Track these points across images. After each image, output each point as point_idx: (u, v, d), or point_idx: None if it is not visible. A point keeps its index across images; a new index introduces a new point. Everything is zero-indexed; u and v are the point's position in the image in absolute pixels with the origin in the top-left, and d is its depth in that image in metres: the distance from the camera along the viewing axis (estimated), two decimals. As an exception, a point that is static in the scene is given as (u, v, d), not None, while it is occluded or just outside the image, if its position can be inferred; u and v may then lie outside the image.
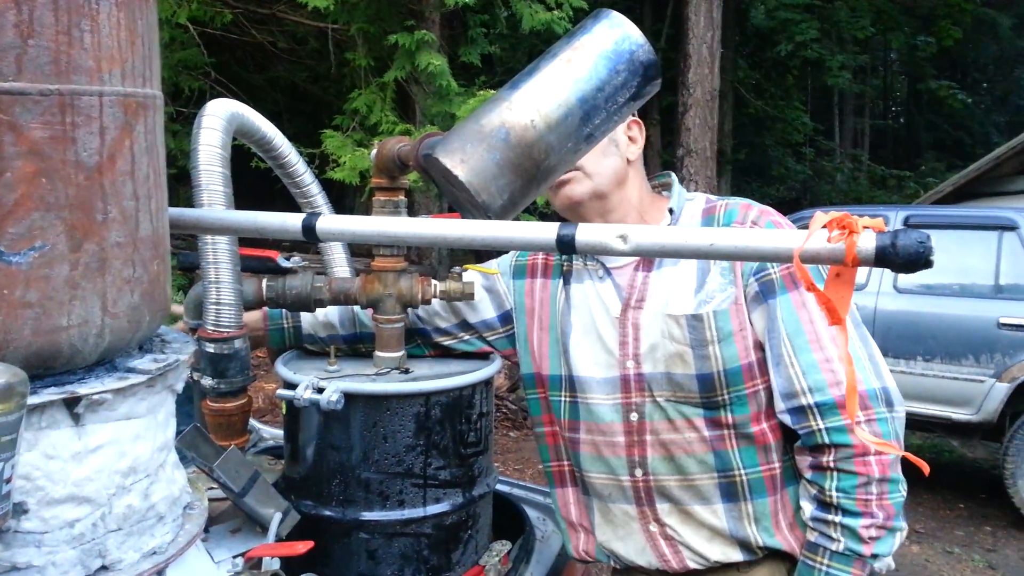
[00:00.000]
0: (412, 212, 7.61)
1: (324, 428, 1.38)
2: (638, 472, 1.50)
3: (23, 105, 0.85)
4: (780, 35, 15.31)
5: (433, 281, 1.50)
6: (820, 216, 0.91)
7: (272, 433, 1.95)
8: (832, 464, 1.37)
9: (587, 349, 1.53)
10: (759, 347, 1.44)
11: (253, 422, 1.82)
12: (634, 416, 1.49)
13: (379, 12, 7.88)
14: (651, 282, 1.49)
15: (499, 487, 1.82)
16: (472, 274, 1.67)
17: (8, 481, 0.81)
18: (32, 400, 0.86)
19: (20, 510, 0.88)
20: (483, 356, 1.64)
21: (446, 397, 1.40)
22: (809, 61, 16.14)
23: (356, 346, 1.64)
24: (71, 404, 0.91)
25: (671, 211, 1.54)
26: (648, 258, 1.49)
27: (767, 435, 1.46)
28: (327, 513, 1.38)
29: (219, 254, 1.38)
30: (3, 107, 0.84)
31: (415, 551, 1.40)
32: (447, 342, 1.66)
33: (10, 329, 0.87)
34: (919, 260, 0.85)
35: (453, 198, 1.23)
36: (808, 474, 1.42)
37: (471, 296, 1.53)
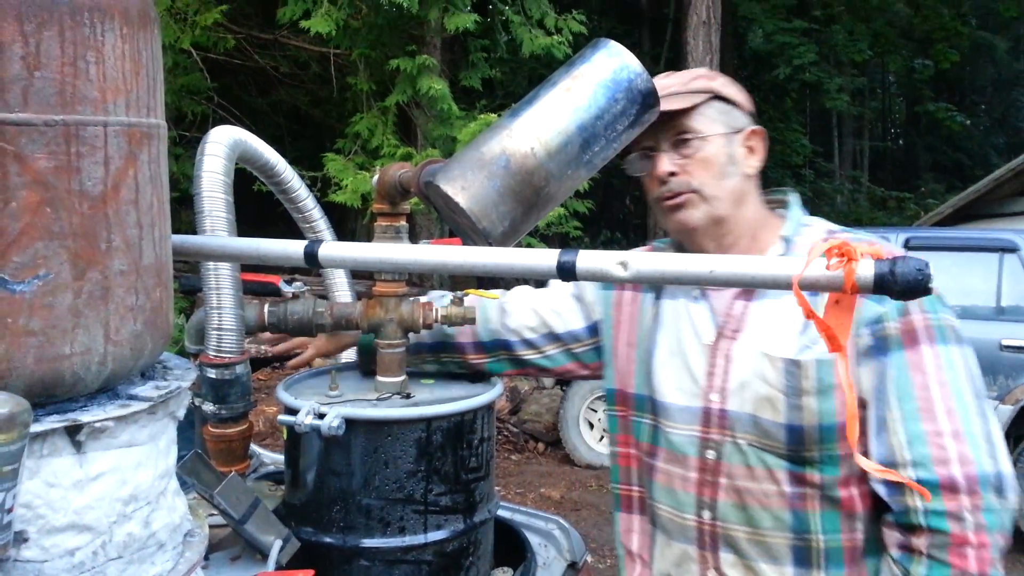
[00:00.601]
0: (414, 235, 7.63)
1: (325, 454, 1.37)
2: (706, 514, 1.39)
3: (28, 136, 0.86)
4: (778, 58, 15.44)
5: (435, 306, 1.51)
6: (819, 244, 0.92)
7: (273, 458, 1.94)
8: (924, 549, 1.22)
9: (671, 372, 1.44)
10: (862, 405, 1.29)
11: (254, 447, 1.82)
12: (711, 454, 1.38)
13: (380, 37, 7.97)
14: (750, 313, 1.37)
15: (500, 512, 1.81)
16: (560, 284, 1.62)
17: (10, 511, 0.81)
18: (34, 428, 0.86)
19: (20, 539, 0.88)
20: (560, 374, 1.66)
21: (447, 422, 1.40)
22: (807, 84, 16.25)
23: (440, 356, 1.64)
24: (73, 432, 0.91)
25: (785, 240, 1.41)
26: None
27: (855, 502, 1.31)
28: (327, 540, 1.37)
29: (221, 280, 1.39)
30: (9, 138, 0.85)
31: (416, 578, 1.39)
32: (530, 356, 1.61)
33: (13, 357, 0.87)
34: (918, 287, 0.86)
35: (454, 224, 1.24)
36: (895, 553, 1.27)
37: (472, 320, 1.51)
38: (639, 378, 1.49)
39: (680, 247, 1.53)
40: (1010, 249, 5.23)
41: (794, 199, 1.49)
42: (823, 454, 1.29)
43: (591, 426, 6.19)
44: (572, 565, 1.83)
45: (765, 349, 1.33)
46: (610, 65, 1.17)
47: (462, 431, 1.42)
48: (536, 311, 1.60)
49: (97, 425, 0.92)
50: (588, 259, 1.04)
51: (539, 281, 1.39)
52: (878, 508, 1.31)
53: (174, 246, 1.13)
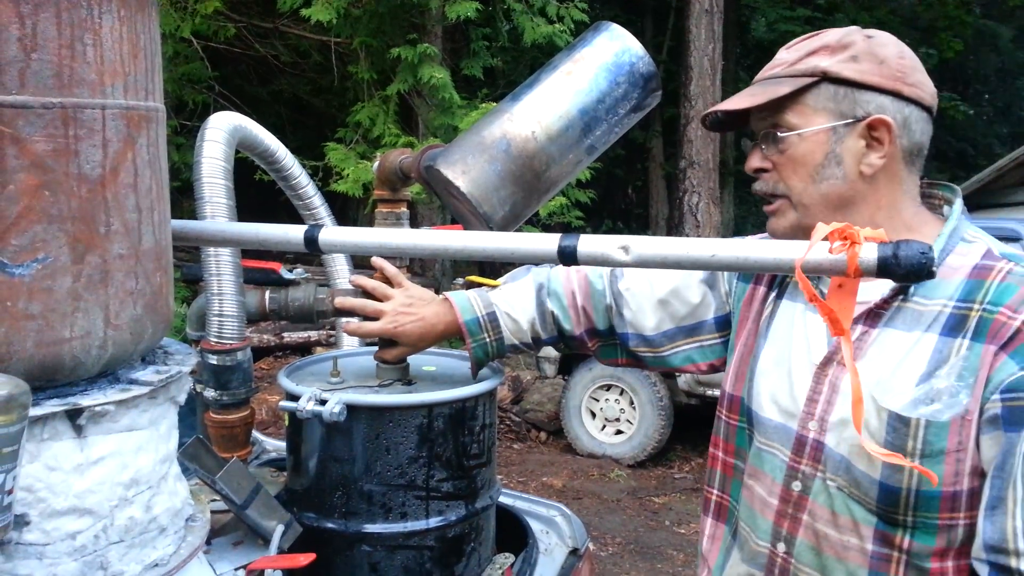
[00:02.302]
0: (415, 224, 7.62)
1: (326, 440, 1.37)
2: (780, 546, 1.25)
3: (26, 118, 0.86)
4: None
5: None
6: (822, 227, 0.91)
7: (275, 445, 1.95)
8: None
9: (772, 383, 1.28)
10: (977, 474, 1.10)
11: (256, 434, 1.82)
12: (796, 486, 1.22)
13: (381, 26, 7.94)
14: (870, 341, 1.17)
15: (502, 499, 1.81)
16: (687, 270, 1.42)
17: (10, 493, 0.81)
18: (34, 412, 0.86)
19: (22, 522, 0.88)
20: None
21: (449, 408, 1.39)
22: (811, 73, 16.13)
23: (557, 346, 1.54)
24: (73, 416, 0.91)
25: None
26: (878, 310, 1.17)
27: None
28: (329, 525, 1.37)
29: (222, 266, 1.38)
30: (6, 120, 0.84)
31: (418, 564, 1.39)
32: (645, 354, 1.46)
33: (13, 341, 0.87)
34: (921, 270, 0.85)
35: (455, 210, 1.24)
36: None
37: None
38: (747, 383, 1.33)
39: None
40: (1013, 239, 5.23)
41: (957, 203, 1.22)
42: (918, 520, 1.13)
43: (593, 415, 6.20)
44: (574, 551, 1.83)
45: (874, 391, 1.14)
46: (612, 48, 1.16)
47: (463, 417, 1.42)
48: (657, 299, 1.43)
49: (97, 409, 0.92)
50: (589, 244, 1.04)
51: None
52: None
53: (174, 231, 1.12)
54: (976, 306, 1.10)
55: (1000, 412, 1.06)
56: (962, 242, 1.17)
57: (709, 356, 1.44)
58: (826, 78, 1.17)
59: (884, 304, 1.17)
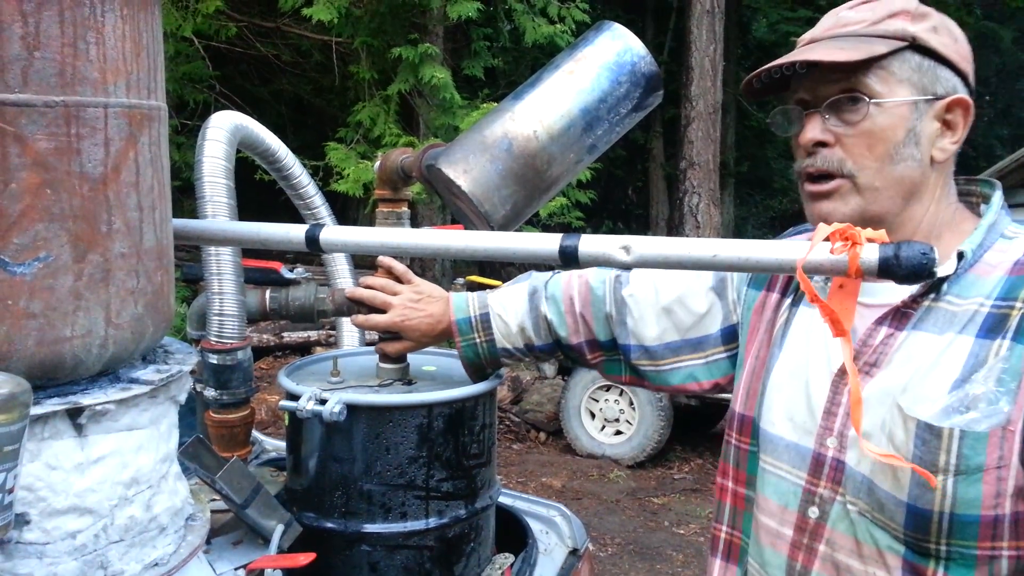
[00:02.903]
0: (415, 224, 7.62)
1: (326, 440, 1.37)
2: None
3: (28, 116, 0.86)
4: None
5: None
6: (823, 227, 0.91)
7: (275, 445, 1.94)
8: None
9: (786, 397, 1.14)
10: (1023, 498, 0.96)
11: (256, 434, 1.82)
12: (813, 512, 1.09)
13: (383, 25, 7.94)
14: (895, 345, 1.05)
15: (502, 499, 1.81)
16: (690, 273, 1.31)
17: (10, 491, 0.81)
18: (35, 411, 0.86)
19: (22, 521, 0.88)
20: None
21: (449, 408, 1.39)
22: (811, 74, 16.13)
23: (555, 355, 1.44)
24: (74, 415, 0.91)
25: (960, 255, 1.04)
26: (906, 310, 1.05)
27: None
28: (329, 525, 1.37)
29: (222, 265, 1.38)
30: (9, 118, 0.84)
31: (417, 564, 1.39)
32: (646, 368, 1.35)
33: (14, 339, 0.87)
34: (922, 271, 0.85)
35: (456, 209, 1.23)
36: None
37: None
38: (759, 399, 1.20)
39: None
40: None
41: (996, 196, 1.11)
42: (952, 550, 0.98)
43: (592, 416, 6.20)
44: (573, 551, 1.83)
45: (902, 398, 1.01)
46: (613, 48, 1.16)
47: (463, 417, 1.42)
48: (661, 307, 1.32)
49: (98, 408, 0.92)
50: (591, 243, 1.04)
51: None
52: None
53: (175, 230, 1.12)
54: (1018, 304, 0.98)
55: None
56: (1001, 238, 1.06)
57: (714, 373, 1.31)
58: (914, 45, 1.03)
59: (913, 304, 1.05)
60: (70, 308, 0.90)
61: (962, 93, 1.06)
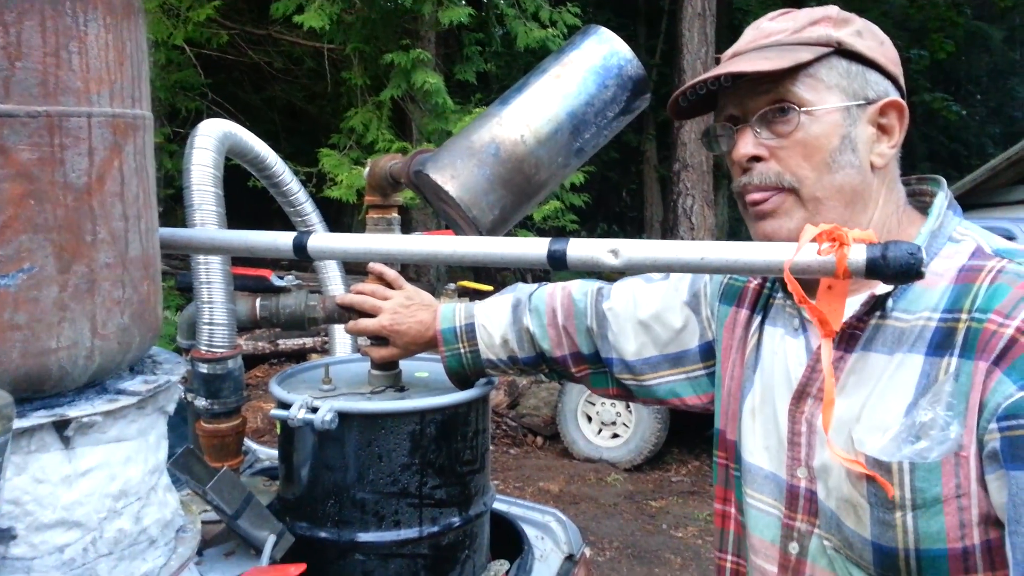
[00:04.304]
0: (409, 229, 7.63)
1: (318, 448, 1.37)
2: None
3: (11, 127, 0.85)
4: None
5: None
6: (810, 229, 0.90)
7: (268, 454, 1.94)
8: None
9: (760, 424, 1.11)
10: (992, 523, 0.89)
11: (248, 443, 1.81)
12: (794, 548, 1.04)
13: (374, 32, 7.95)
14: (846, 369, 1.00)
15: (497, 505, 1.80)
16: (667, 287, 1.31)
17: (-5, 506, 0.80)
18: (21, 424, 0.85)
19: (8, 536, 0.87)
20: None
21: (441, 415, 1.39)
22: (803, 75, 16.17)
23: (540, 368, 1.43)
24: (61, 427, 0.90)
25: None
26: (855, 330, 1.01)
27: None
28: (322, 535, 1.36)
29: (212, 274, 1.38)
30: (-9, 129, 0.84)
31: (412, 572, 1.38)
32: (629, 382, 1.33)
33: (-2, 352, 0.86)
34: (910, 271, 0.85)
35: (445, 214, 1.23)
36: None
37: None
38: (738, 424, 1.17)
39: None
40: (1007, 238, 5.22)
41: (939, 199, 1.05)
42: None
43: (589, 419, 6.20)
44: (569, 557, 1.82)
45: (854, 431, 0.96)
46: (599, 52, 1.16)
47: (456, 424, 1.41)
48: (639, 321, 1.30)
49: (85, 420, 0.91)
50: (579, 248, 1.03)
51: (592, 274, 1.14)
52: None
53: (163, 239, 1.12)
54: (964, 316, 0.93)
55: (999, 445, 0.86)
56: (949, 242, 1.01)
57: (696, 390, 1.29)
58: (839, 50, 1.01)
59: (859, 323, 1.01)
60: (55, 319, 0.90)
61: (894, 96, 1.03)
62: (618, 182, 15.58)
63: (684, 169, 9.87)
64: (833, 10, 1.05)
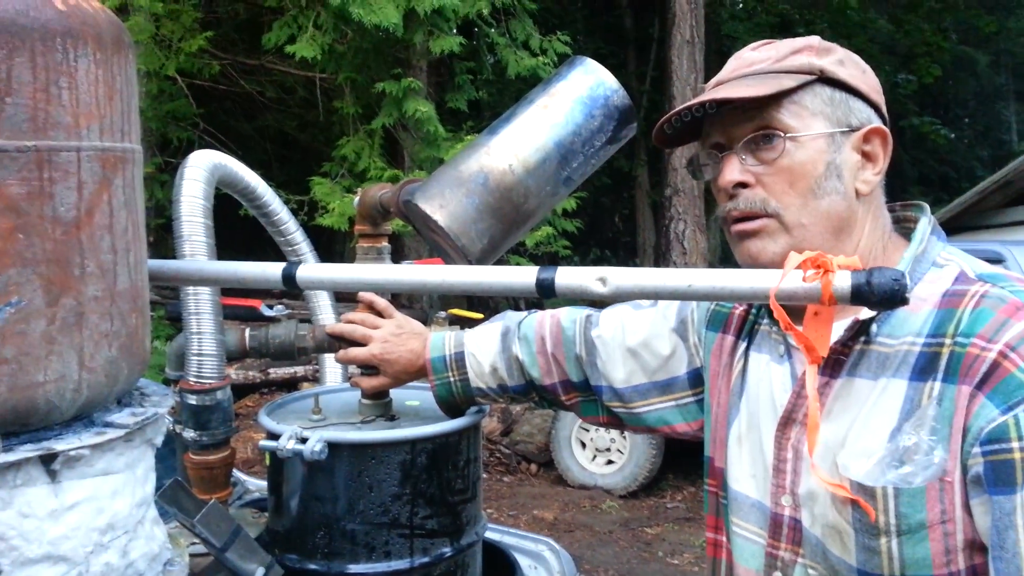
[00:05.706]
0: (400, 256, 7.64)
1: (308, 479, 1.36)
2: None
3: (0, 162, 0.85)
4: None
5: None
6: (795, 256, 0.91)
7: (257, 485, 1.92)
8: None
9: (747, 452, 1.11)
10: (977, 549, 0.90)
11: (238, 474, 1.80)
12: None
13: (366, 61, 8.01)
14: (832, 394, 1.01)
15: (489, 534, 1.79)
16: (655, 314, 1.31)
17: (-20, 542, 0.80)
18: (7, 457, 0.85)
19: (-7, 572, 0.87)
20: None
21: (432, 444, 1.38)
22: (792, 100, 16.34)
23: (530, 396, 1.43)
24: (47, 461, 0.90)
25: None
26: (840, 355, 1.02)
27: None
28: (312, 567, 1.35)
29: (201, 304, 1.38)
30: (-21, 164, 0.84)
31: (403, 603, 1.37)
32: (619, 409, 1.32)
33: (-15, 386, 0.86)
34: (895, 297, 0.86)
35: (434, 244, 1.24)
36: None
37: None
38: (725, 451, 1.17)
39: None
40: (996, 260, 5.27)
41: (922, 224, 1.06)
42: None
43: (583, 446, 6.17)
44: (563, 586, 1.81)
45: (839, 456, 0.96)
46: (586, 82, 1.17)
47: (447, 453, 1.41)
48: (627, 348, 1.30)
49: (72, 453, 0.91)
50: (567, 276, 1.04)
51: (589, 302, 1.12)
52: None
53: (152, 271, 1.12)
54: (947, 340, 0.94)
55: (982, 470, 0.87)
56: (933, 268, 1.02)
57: (686, 417, 1.29)
58: (823, 78, 1.03)
59: (844, 349, 1.02)
60: (43, 353, 0.89)
61: (877, 123, 1.05)
62: (610, 208, 15.66)
63: (676, 194, 9.93)
64: (815, 40, 1.07)
